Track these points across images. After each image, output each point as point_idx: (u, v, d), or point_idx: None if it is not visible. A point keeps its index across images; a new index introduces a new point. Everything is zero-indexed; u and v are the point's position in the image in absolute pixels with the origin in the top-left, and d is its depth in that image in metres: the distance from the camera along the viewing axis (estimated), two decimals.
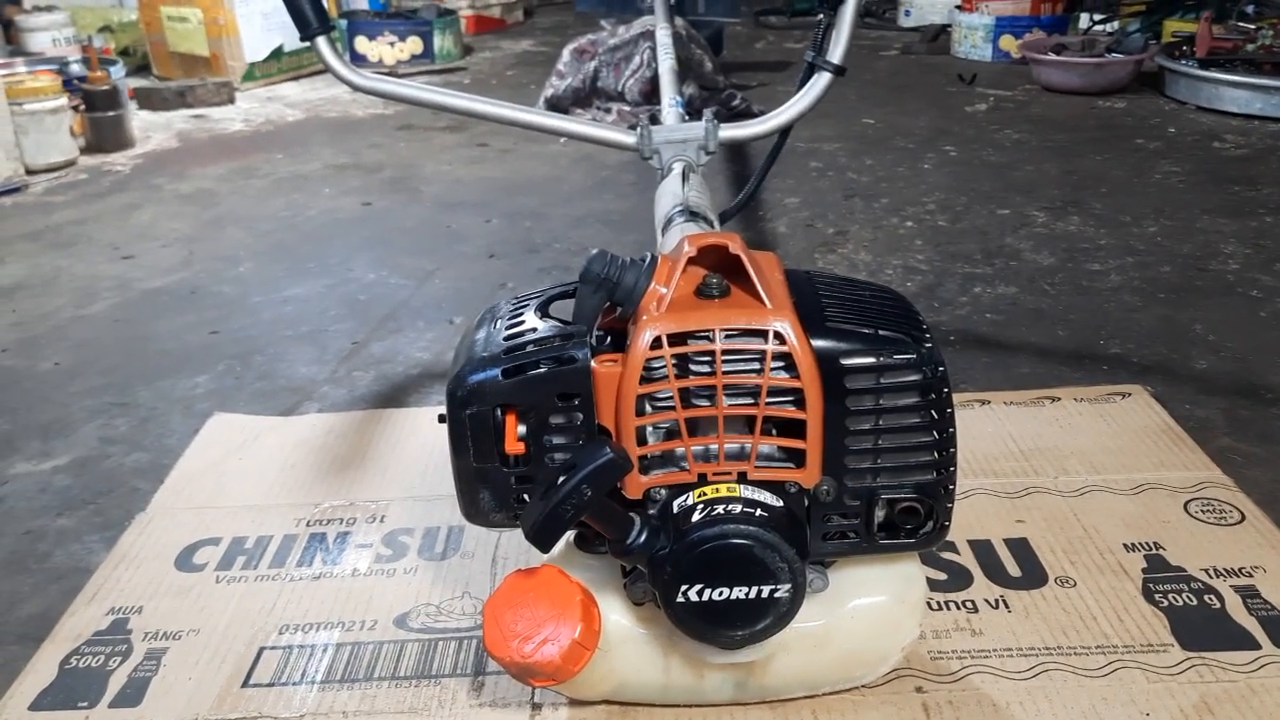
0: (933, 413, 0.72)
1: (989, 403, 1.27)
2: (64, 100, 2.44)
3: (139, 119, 2.79)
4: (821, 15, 1.42)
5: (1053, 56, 2.99)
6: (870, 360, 0.71)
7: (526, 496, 0.76)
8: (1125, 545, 1.00)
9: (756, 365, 0.71)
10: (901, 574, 0.80)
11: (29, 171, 2.40)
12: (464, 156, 2.53)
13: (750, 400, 0.72)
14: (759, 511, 0.72)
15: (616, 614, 0.79)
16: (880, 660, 0.82)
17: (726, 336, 0.71)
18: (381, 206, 2.18)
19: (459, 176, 2.38)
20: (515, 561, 1.02)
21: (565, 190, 2.25)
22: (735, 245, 0.73)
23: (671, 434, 0.74)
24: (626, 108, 2.79)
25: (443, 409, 0.77)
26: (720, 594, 0.71)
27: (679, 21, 2.74)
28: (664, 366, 0.71)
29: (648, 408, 0.73)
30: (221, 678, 0.89)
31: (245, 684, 0.88)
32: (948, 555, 0.99)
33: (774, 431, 0.73)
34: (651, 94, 2.78)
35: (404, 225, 2.06)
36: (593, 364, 0.73)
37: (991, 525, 1.04)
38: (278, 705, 0.86)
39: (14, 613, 1.00)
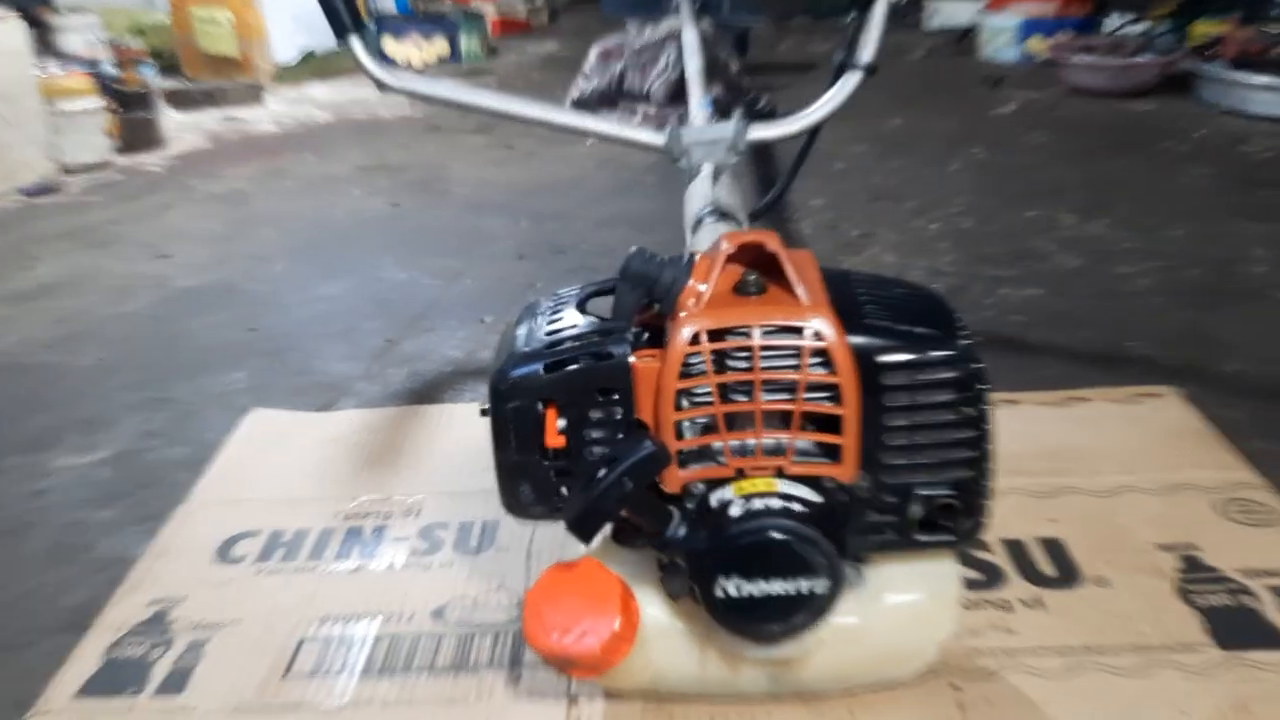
0: (969, 409, 0.73)
1: (1018, 403, 1.27)
2: (99, 101, 2.47)
3: (170, 120, 2.83)
4: (852, 15, 1.43)
5: (1080, 58, 2.99)
6: (907, 357, 0.72)
7: (564, 489, 0.77)
8: (1159, 545, 1.00)
9: (794, 361, 0.72)
10: (937, 571, 0.81)
11: (65, 171, 2.44)
12: (490, 158, 2.55)
13: (787, 396, 0.72)
14: (797, 506, 0.72)
15: (653, 607, 0.80)
16: (916, 657, 0.83)
17: (764, 333, 0.72)
18: (410, 207, 2.20)
19: (486, 178, 2.40)
20: (550, 556, 1.03)
21: (591, 192, 2.27)
22: (773, 243, 0.74)
23: (709, 429, 0.75)
24: (652, 109, 2.81)
25: (481, 404, 0.78)
26: (758, 588, 0.72)
27: (704, 23, 2.75)
28: (702, 362, 0.72)
29: (685, 403, 0.74)
30: (263, 667, 0.90)
31: (286, 674, 0.89)
32: (980, 554, 1.00)
33: (810, 427, 0.74)
34: (677, 96, 2.79)
35: (432, 226, 2.08)
36: (632, 359, 0.74)
37: (1024, 525, 1.04)
38: (319, 694, 0.87)
39: (59, 602, 1.02)
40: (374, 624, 0.95)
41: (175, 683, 0.89)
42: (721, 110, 2.60)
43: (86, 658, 0.92)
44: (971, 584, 0.96)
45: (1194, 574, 0.96)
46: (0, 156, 2.32)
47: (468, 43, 3.56)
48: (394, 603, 0.98)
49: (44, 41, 3.06)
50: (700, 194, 1.28)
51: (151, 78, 2.69)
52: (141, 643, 0.93)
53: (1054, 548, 1.01)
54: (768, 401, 0.72)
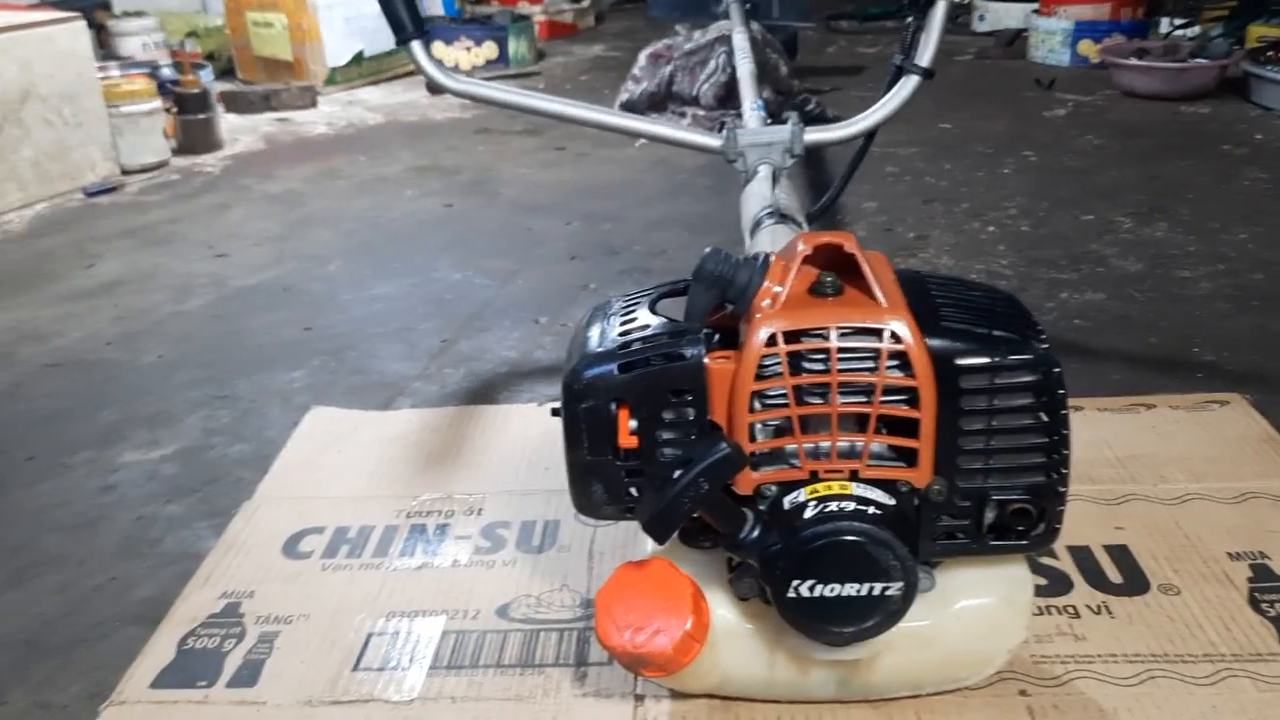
0: (1047, 414, 0.72)
1: (1081, 409, 1.26)
2: (158, 103, 2.52)
3: (226, 121, 2.87)
4: (910, 18, 1.43)
5: (1134, 61, 2.95)
6: (985, 360, 0.71)
7: (635, 490, 0.78)
8: (1229, 554, 0.99)
9: (871, 364, 0.71)
10: (1009, 576, 0.80)
11: (124, 171, 2.48)
12: (541, 160, 2.56)
13: (863, 399, 0.72)
14: (871, 509, 0.72)
15: (722, 608, 0.80)
16: (986, 662, 0.82)
17: (841, 335, 0.72)
18: (462, 208, 2.22)
19: (537, 179, 2.41)
20: (612, 555, 1.03)
21: (642, 193, 2.27)
22: (850, 244, 0.74)
23: (782, 431, 0.75)
24: (701, 112, 2.81)
25: (548, 405, 0.79)
26: (831, 590, 0.72)
27: (754, 26, 2.75)
28: (778, 364, 0.72)
29: (759, 405, 0.74)
30: (333, 661, 0.91)
31: (355, 668, 0.91)
32: (1047, 560, 0.99)
33: (885, 430, 0.74)
34: (726, 99, 2.79)
35: (485, 227, 2.10)
36: (706, 360, 0.74)
37: (1090, 531, 1.03)
38: (388, 689, 0.88)
39: (130, 595, 1.04)
40: (440, 620, 0.96)
41: (247, 676, 0.90)
42: (771, 113, 2.60)
43: (160, 650, 0.94)
44: (1038, 590, 0.95)
45: (1265, 583, 0.95)
46: (63, 156, 2.37)
47: (516, 46, 3.58)
48: (459, 600, 0.99)
49: (104, 44, 3.13)
50: (758, 196, 1.28)
51: (208, 80, 2.73)
52: (214, 635, 0.95)
53: (1121, 555, 1.00)
54: (843, 404, 0.72)
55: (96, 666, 0.94)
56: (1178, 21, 3.33)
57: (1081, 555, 1.00)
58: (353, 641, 0.94)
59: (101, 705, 0.88)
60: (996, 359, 0.71)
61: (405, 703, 0.87)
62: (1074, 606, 0.94)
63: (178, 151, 2.63)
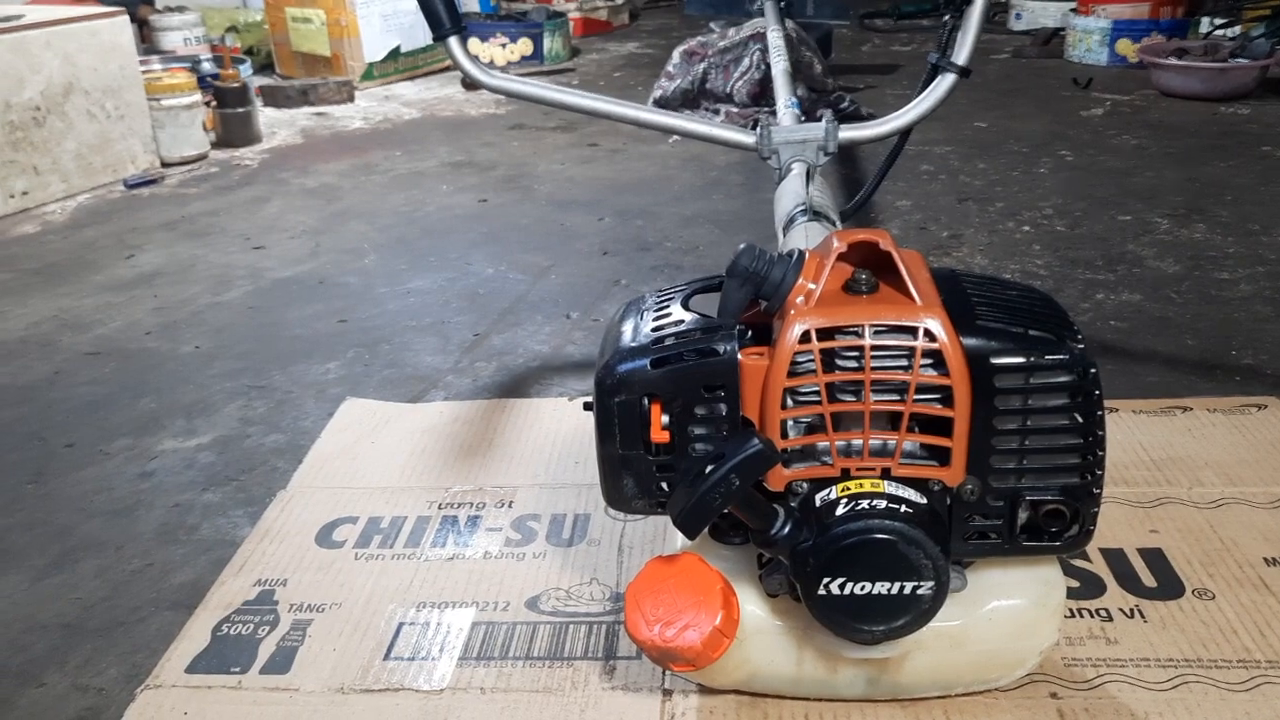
0: (1082, 415, 0.72)
1: (1116, 411, 1.25)
2: (198, 97, 2.55)
3: (264, 116, 2.90)
4: (947, 16, 1.42)
5: (1173, 61, 2.91)
6: (1021, 360, 0.71)
7: (666, 485, 0.78)
8: (1265, 559, 0.98)
9: (905, 362, 0.71)
10: (1041, 578, 0.80)
11: (164, 164, 2.52)
12: (575, 156, 2.57)
13: (897, 397, 0.72)
14: (903, 508, 0.72)
15: (751, 605, 0.80)
16: (1017, 664, 0.82)
17: (875, 332, 0.71)
18: (497, 203, 2.23)
19: (571, 175, 2.42)
20: (641, 550, 1.04)
21: (675, 190, 2.27)
22: (886, 242, 0.74)
23: (814, 428, 0.75)
24: (734, 109, 2.80)
25: (579, 399, 0.79)
26: (862, 588, 0.72)
27: (789, 24, 2.74)
28: (811, 360, 0.72)
29: (792, 401, 0.74)
30: (365, 650, 0.92)
31: (387, 657, 0.92)
32: (1079, 563, 0.98)
33: (918, 429, 0.74)
34: (760, 96, 2.78)
35: (519, 222, 2.11)
36: (739, 356, 0.74)
37: (1124, 534, 1.02)
38: (418, 678, 0.89)
39: (167, 580, 1.06)
40: (470, 611, 0.97)
41: (281, 662, 0.92)
42: (804, 111, 2.59)
43: (196, 635, 0.95)
44: (1070, 592, 0.94)
45: None
46: (105, 149, 2.40)
47: (551, 42, 3.59)
48: (489, 591, 1.00)
49: (146, 39, 3.17)
50: (792, 193, 1.28)
51: (247, 75, 2.76)
52: (248, 622, 0.96)
53: (1155, 558, 0.99)
54: (877, 402, 0.72)
55: (134, 650, 0.96)
56: (1218, 21, 3.29)
57: (1115, 558, 0.99)
58: (384, 631, 0.95)
59: (138, 688, 0.89)
60: (1032, 359, 0.71)
61: (435, 692, 0.88)
62: (1106, 609, 0.93)
63: (217, 145, 2.66)
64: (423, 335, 1.59)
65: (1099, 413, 0.72)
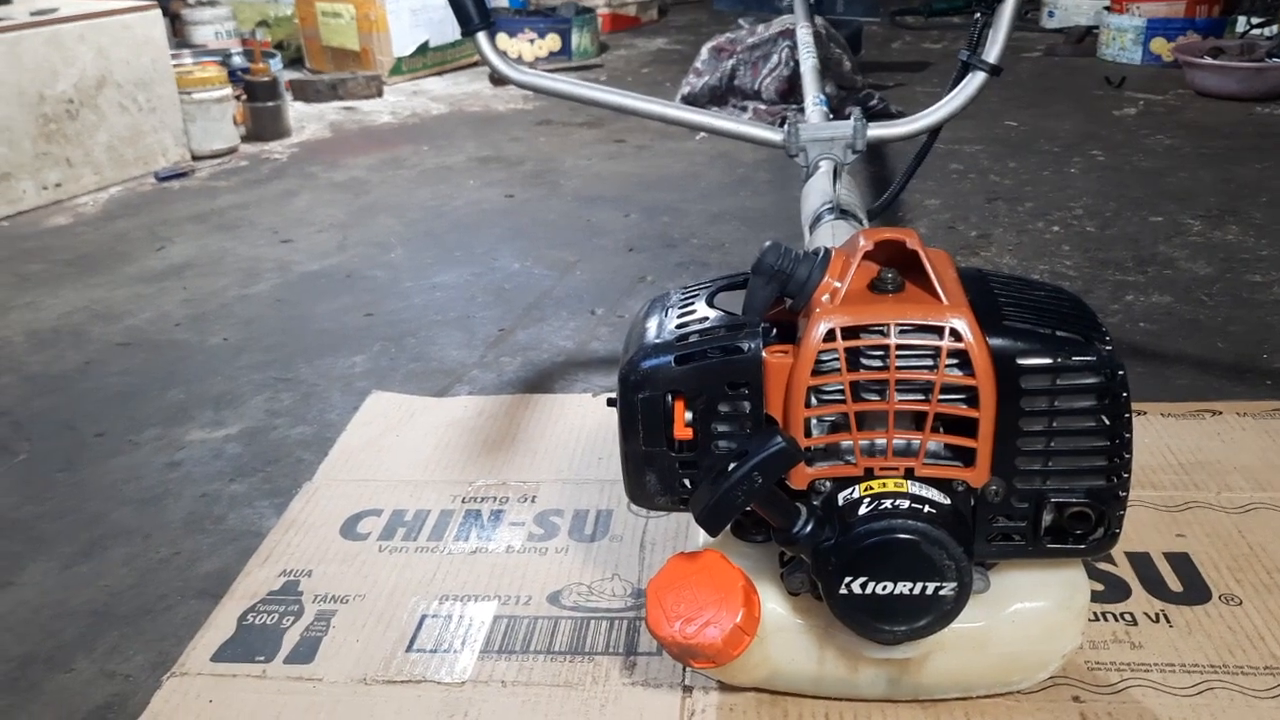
0: (1109, 417, 0.71)
1: (1145, 413, 1.24)
2: (229, 90, 2.57)
3: (294, 110, 2.92)
4: (979, 13, 1.41)
5: (1208, 60, 2.88)
6: (1047, 361, 0.71)
7: (688, 482, 0.78)
8: None
9: (930, 361, 0.71)
10: (1065, 580, 0.79)
11: (195, 157, 2.54)
12: (602, 152, 2.57)
13: (921, 396, 0.72)
14: (926, 508, 0.72)
15: (773, 603, 0.80)
16: (1039, 667, 0.81)
17: (901, 332, 0.71)
18: (523, 199, 2.23)
19: (597, 171, 2.42)
20: (664, 546, 1.04)
21: (702, 187, 2.27)
22: (913, 241, 0.73)
23: (838, 427, 0.75)
24: (762, 106, 2.79)
25: (603, 395, 0.80)
26: (884, 588, 0.72)
27: (818, 20, 2.73)
28: (836, 359, 0.72)
29: (815, 400, 0.74)
30: (387, 641, 0.93)
31: (409, 648, 0.92)
32: (1104, 566, 0.98)
33: (943, 429, 0.73)
34: (788, 93, 2.77)
35: (545, 217, 2.11)
36: (763, 354, 0.74)
37: (1150, 538, 1.01)
38: (440, 670, 0.90)
39: (194, 569, 1.07)
40: (492, 605, 0.97)
41: (305, 652, 0.92)
42: (833, 109, 2.58)
43: (222, 624, 0.96)
44: (1094, 596, 0.93)
45: None
46: (137, 141, 2.43)
47: (579, 39, 3.59)
48: (511, 585, 1.00)
49: (178, 33, 3.19)
50: (819, 191, 1.27)
51: (277, 69, 2.78)
52: (273, 612, 0.97)
53: (1182, 563, 0.98)
54: (901, 401, 0.72)
55: (160, 637, 0.97)
56: (1255, 20, 3.24)
57: (1141, 562, 0.98)
58: (407, 623, 0.95)
59: (164, 675, 0.90)
60: (1059, 360, 0.71)
61: (457, 684, 0.88)
62: (1131, 613, 0.92)
63: (246, 138, 2.68)
64: (448, 329, 1.60)
65: (1126, 415, 0.72)
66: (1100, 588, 0.95)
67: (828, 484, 0.75)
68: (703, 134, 2.58)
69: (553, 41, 3.58)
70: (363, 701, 0.87)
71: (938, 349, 0.70)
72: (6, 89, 2.18)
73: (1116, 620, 0.92)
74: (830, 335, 0.71)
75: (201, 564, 1.08)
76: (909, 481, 0.73)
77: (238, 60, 2.88)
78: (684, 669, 0.88)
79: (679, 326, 0.78)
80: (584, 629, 0.94)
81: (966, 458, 0.73)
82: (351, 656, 0.92)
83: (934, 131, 1.46)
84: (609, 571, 1.01)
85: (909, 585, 0.72)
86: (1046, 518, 0.75)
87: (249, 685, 0.89)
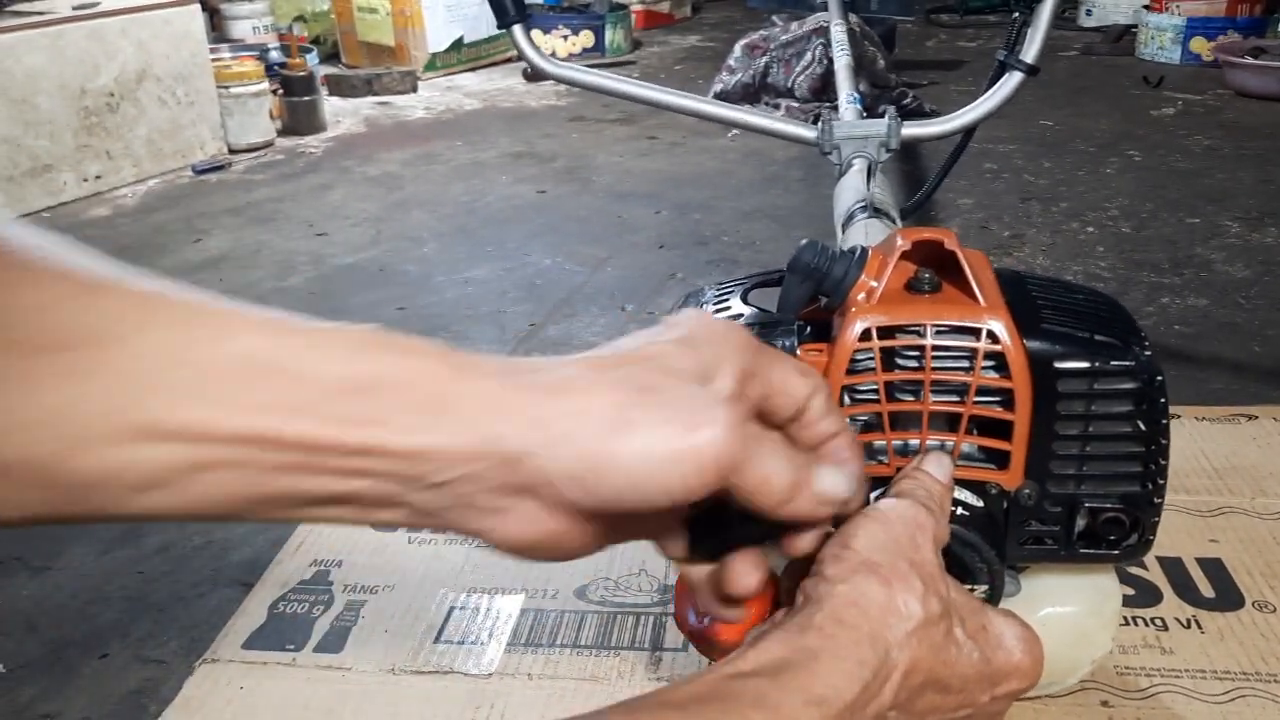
0: (1146, 423, 0.71)
1: (1179, 417, 1.22)
2: (265, 85, 2.60)
3: (329, 104, 2.94)
4: (1016, 12, 1.39)
5: (1249, 60, 2.84)
6: (1085, 365, 0.70)
7: None
8: None
9: (966, 363, 0.70)
10: (1097, 586, 0.79)
11: (232, 151, 2.57)
12: (634, 149, 2.57)
13: (956, 398, 0.71)
14: (959, 510, 0.71)
15: None
16: (1069, 671, 0.80)
17: (937, 332, 0.71)
18: (555, 195, 2.24)
19: (629, 168, 2.42)
20: None
21: (734, 184, 2.27)
22: (950, 241, 0.73)
23: (870, 427, 0.75)
24: (795, 104, 2.79)
25: None
26: None
27: (852, 18, 2.71)
28: (871, 359, 0.71)
29: (849, 399, 0.74)
30: (416, 632, 0.94)
31: (437, 640, 0.93)
32: (1136, 570, 0.97)
33: (977, 431, 0.73)
34: (821, 91, 2.77)
35: (577, 214, 2.12)
36: (798, 352, 0.74)
37: (1183, 543, 1.00)
38: (467, 662, 0.90)
39: (227, 558, 1.08)
40: (519, 599, 0.98)
41: (334, 642, 0.93)
42: (867, 107, 2.57)
43: (253, 612, 0.97)
44: (1125, 600, 0.93)
45: None
46: (175, 135, 2.46)
47: (612, 35, 3.60)
48: (538, 579, 1.01)
49: (217, 27, 3.23)
50: (852, 189, 1.27)
51: (313, 64, 2.81)
52: (304, 601, 0.98)
53: (1214, 568, 0.97)
54: (936, 403, 0.71)
55: (193, 624, 0.98)
56: None
57: (1173, 567, 0.97)
58: (435, 614, 0.96)
59: (196, 662, 0.92)
60: (1097, 364, 0.70)
61: (483, 676, 0.89)
62: (1162, 619, 0.91)
63: (282, 132, 2.71)
64: (480, 324, 1.61)
65: (1163, 421, 0.71)
66: (1131, 592, 0.94)
67: None
68: (735, 132, 2.58)
69: (586, 38, 3.58)
70: (390, 691, 0.88)
71: (974, 350, 0.70)
72: (49, 82, 2.21)
73: (1147, 625, 0.91)
74: (866, 335, 0.71)
75: (234, 553, 1.09)
76: None
77: (275, 55, 2.90)
78: (709, 664, 0.88)
79: None
80: (610, 623, 0.94)
81: (1000, 460, 0.72)
82: (380, 646, 0.93)
83: (969, 131, 1.46)
84: (635, 567, 1.02)
85: None
86: (1080, 522, 0.74)
87: (279, 673, 0.90)
